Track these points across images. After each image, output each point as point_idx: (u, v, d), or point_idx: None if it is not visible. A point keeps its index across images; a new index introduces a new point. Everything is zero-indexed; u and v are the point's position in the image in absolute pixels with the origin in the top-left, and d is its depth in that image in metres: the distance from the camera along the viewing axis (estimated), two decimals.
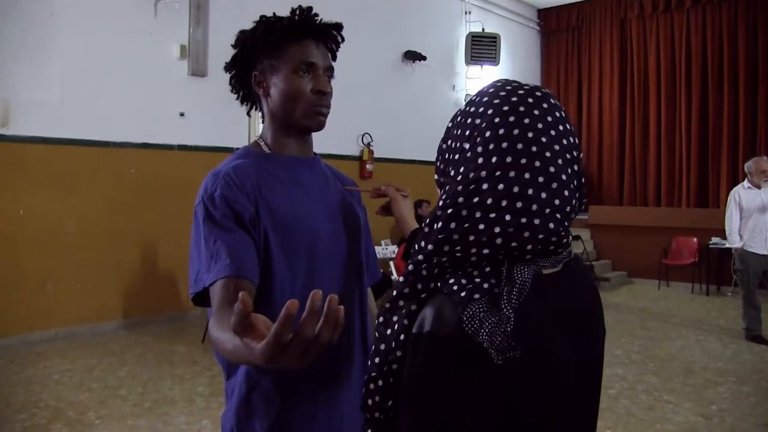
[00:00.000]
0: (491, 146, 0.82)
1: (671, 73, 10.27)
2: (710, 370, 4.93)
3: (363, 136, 8.41)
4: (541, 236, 0.81)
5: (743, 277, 5.90)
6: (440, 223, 0.84)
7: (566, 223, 0.85)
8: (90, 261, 5.83)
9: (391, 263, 5.70)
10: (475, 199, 0.81)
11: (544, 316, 0.84)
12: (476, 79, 10.10)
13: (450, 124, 0.94)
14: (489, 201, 0.80)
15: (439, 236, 0.83)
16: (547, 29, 11.79)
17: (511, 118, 0.84)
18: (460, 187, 0.83)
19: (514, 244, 0.81)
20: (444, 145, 0.93)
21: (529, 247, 0.82)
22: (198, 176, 1.29)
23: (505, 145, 0.82)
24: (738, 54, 9.61)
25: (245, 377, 1.26)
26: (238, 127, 5.57)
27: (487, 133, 0.84)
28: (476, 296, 0.79)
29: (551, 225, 0.82)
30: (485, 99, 0.89)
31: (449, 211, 0.83)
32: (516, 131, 0.82)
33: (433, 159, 0.97)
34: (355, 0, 7.95)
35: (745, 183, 5.93)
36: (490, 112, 0.86)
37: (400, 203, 1.47)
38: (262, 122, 1.39)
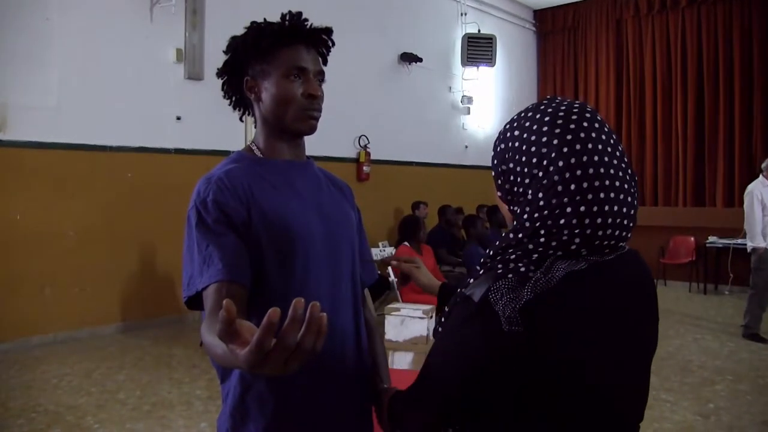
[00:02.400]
0: (567, 175, 0.94)
1: (667, 73, 10.28)
2: (708, 369, 4.94)
3: (359, 138, 8.42)
4: (605, 242, 0.96)
5: (763, 276, 5.76)
6: (534, 240, 0.97)
7: (632, 224, 0.99)
8: (88, 265, 5.84)
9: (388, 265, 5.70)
10: (562, 221, 0.94)
11: (576, 302, 0.94)
12: (472, 80, 10.13)
13: (502, 146, 1.05)
14: (574, 221, 0.94)
15: (530, 246, 0.97)
16: (543, 30, 11.81)
17: (578, 146, 0.95)
18: (546, 212, 0.96)
19: (583, 250, 0.96)
20: (503, 167, 1.04)
21: (590, 249, 0.96)
22: (195, 180, 1.30)
23: (579, 173, 0.94)
24: (733, 53, 9.62)
25: (239, 380, 1.27)
26: (234, 130, 5.56)
27: (560, 163, 0.95)
28: (510, 276, 0.95)
29: (617, 232, 0.96)
30: (545, 128, 0.98)
31: (542, 231, 0.96)
32: (585, 158, 0.95)
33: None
34: (351, 2, 7.98)
35: (763, 180, 5.81)
36: (555, 142, 0.96)
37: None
38: (255, 127, 1.40)
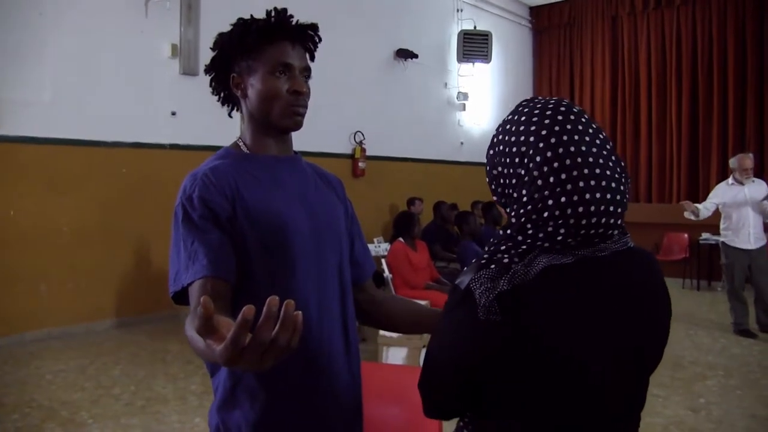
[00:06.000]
0: (545, 169, 0.97)
1: (662, 70, 10.32)
2: (699, 364, 4.97)
3: (355, 134, 8.42)
4: (592, 231, 0.97)
5: (728, 271, 5.95)
6: (522, 233, 0.99)
7: (620, 210, 0.99)
8: (82, 261, 5.84)
9: (383, 261, 5.72)
10: (545, 214, 0.96)
11: (554, 296, 0.95)
12: (468, 76, 10.13)
13: (491, 152, 1.09)
14: (557, 212, 0.96)
15: (519, 238, 0.99)
16: (539, 26, 11.83)
17: (553, 140, 0.98)
18: (529, 207, 0.98)
19: (570, 240, 0.96)
20: (494, 171, 1.08)
21: (577, 238, 0.97)
22: None
23: (556, 165, 0.96)
24: (727, 49, 9.66)
25: (229, 373, 1.28)
26: (229, 126, 5.52)
27: (538, 158, 0.98)
28: (493, 266, 0.97)
29: (603, 219, 0.96)
30: (522, 127, 1.02)
31: (528, 225, 0.99)
32: (561, 150, 0.97)
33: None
34: None
35: (730, 179, 5.97)
36: (532, 139, 0.99)
37: None
38: (242, 123, 1.41)
